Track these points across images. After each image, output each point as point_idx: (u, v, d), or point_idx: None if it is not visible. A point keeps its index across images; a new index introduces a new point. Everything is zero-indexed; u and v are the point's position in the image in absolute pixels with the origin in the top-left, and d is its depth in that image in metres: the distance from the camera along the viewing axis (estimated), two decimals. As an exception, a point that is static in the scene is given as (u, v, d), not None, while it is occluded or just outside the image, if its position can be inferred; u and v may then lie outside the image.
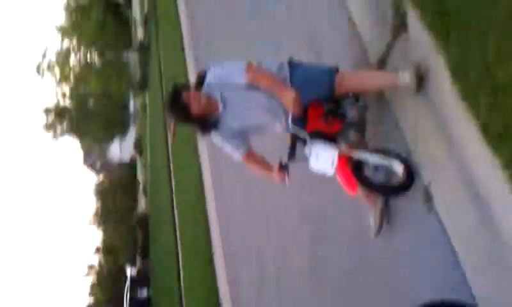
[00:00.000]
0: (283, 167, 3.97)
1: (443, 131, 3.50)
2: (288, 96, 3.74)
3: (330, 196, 5.29)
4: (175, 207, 19.15)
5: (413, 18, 3.81)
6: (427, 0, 3.56)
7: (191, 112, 3.89)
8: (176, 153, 19.61)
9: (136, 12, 39.60)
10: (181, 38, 17.12)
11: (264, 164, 4.16)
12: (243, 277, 9.45)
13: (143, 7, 32.48)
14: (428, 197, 3.68)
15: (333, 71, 3.90)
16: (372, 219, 4.30)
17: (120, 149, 57.26)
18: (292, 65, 3.98)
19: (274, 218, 7.69)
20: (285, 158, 4.01)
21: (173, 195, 19.60)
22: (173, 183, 19.74)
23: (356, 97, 4.16)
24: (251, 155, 4.14)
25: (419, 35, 3.72)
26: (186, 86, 4.13)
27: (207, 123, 4.02)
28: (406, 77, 3.74)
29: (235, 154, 4.12)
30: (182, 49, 16.70)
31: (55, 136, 27.29)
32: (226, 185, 11.14)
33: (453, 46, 3.26)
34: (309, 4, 5.99)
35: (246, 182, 9.30)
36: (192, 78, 14.43)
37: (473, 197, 3.25)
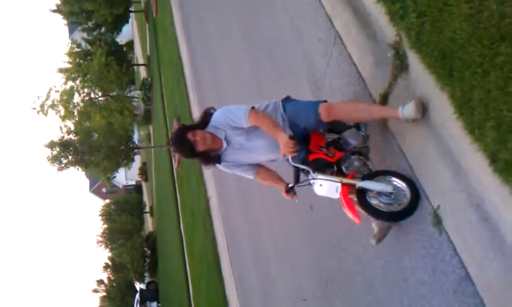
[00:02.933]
0: (289, 190, 4.05)
1: (450, 159, 3.45)
2: (282, 140, 3.75)
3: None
4: (181, 222, 18.94)
5: (413, 59, 3.78)
6: (426, 43, 3.52)
7: (197, 149, 3.95)
8: (182, 175, 19.46)
9: (138, 54, 39.70)
10: (183, 75, 17.11)
11: (275, 178, 4.28)
12: (249, 277, 9.31)
13: (145, 49, 32.56)
14: (438, 220, 3.62)
15: (318, 103, 3.93)
16: (376, 227, 4.19)
17: (125, 176, 56.91)
18: (286, 101, 4.07)
19: (280, 225, 7.59)
20: (291, 182, 4.04)
21: (179, 213, 19.40)
22: (180, 207, 19.55)
23: (358, 127, 4.15)
24: (261, 173, 4.26)
25: (420, 74, 3.68)
26: (191, 126, 4.14)
27: (211, 157, 4.10)
28: (408, 110, 3.72)
29: (247, 176, 4.25)
30: (184, 85, 16.67)
31: (60, 168, 26.83)
32: (231, 201, 11.03)
33: (456, 84, 3.23)
34: (307, 42, 5.96)
35: (248, 202, 9.23)
36: (195, 111, 14.37)
37: (483, 220, 3.19)
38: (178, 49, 18.01)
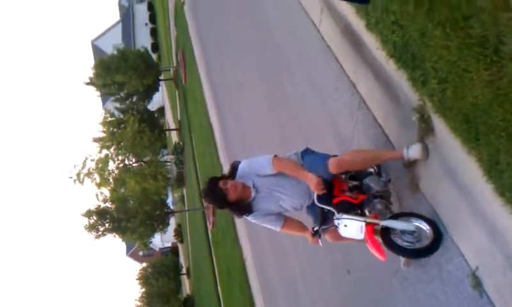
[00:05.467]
0: (314, 233, 4.17)
1: (484, 221, 3.43)
2: (312, 181, 3.94)
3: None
4: (218, 285, 18.78)
5: (438, 123, 3.82)
6: (449, 108, 3.57)
7: (228, 198, 4.11)
8: (217, 237, 19.47)
9: (170, 119, 40.75)
10: (212, 135, 17.45)
11: (300, 228, 4.43)
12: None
13: (176, 114, 33.44)
14: (477, 282, 3.56)
15: (327, 157, 4.14)
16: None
17: (161, 238, 57.15)
18: (305, 153, 4.29)
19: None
20: (316, 226, 4.17)
21: (216, 275, 19.28)
22: (216, 269, 19.46)
23: (379, 173, 4.26)
24: (288, 224, 4.40)
25: (447, 138, 3.72)
26: (221, 177, 4.32)
27: (243, 206, 4.25)
28: (413, 151, 3.99)
29: (273, 227, 4.40)
30: (215, 147, 16.98)
31: (97, 236, 27.23)
32: (266, 263, 10.94)
33: (483, 147, 3.25)
34: (332, 107, 6.07)
35: (284, 263, 9.16)
36: (225, 169, 14.56)
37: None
38: (207, 114, 18.47)
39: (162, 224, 28.44)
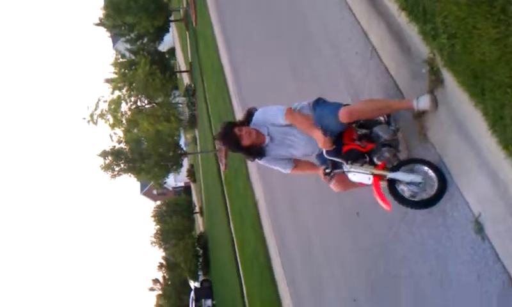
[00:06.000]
0: (326, 174, 4.36)
1: (488, 170, 3.60)
2: (320, 139, 4.18)
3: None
4: (231, 224, 19.33)
5: (447, 76, 3.93)
6: (458, 63, 3.67)
7: (242, 143, 4.34)
8: (229, 178, 19.86)
9: (180, 61, 40.52)
10: (224, 80, 17.49)
11: (310, 167, 4.69)
12: (301, 278, 9.56)
13: (187, 56, 33.25)
14: (479, 228, 3.79)
15: (339, 106, 4.26)
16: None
17: (174, 178, 58.12)
18: (316, 104, 4.41)
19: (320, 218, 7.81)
20: (328, 168, 4.37)
21: (229, 214, 19.81)
22: (229, 209, 19.96)
23: (388, 122, 4.42)
24: (298, 166, 4.65)
25: (455, 90, 3.84)
26: (236, 123, 4.54)
27: (255, 151, 4.48)
28: (423, 102, 4.12)
29: (283, 170, 4.65)
30: (227, 91, 17.05)
31: (113, 176, 27.74)
32: (278, 204, 11.29)
33: (488, 102, 3.38)
34: (344, 55, 6.14)
35: (295, 206, 9.48)
36: (238, 114, 14.73)
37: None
38: (219, 57, 18.42)
39: (176, 165, 28.93)
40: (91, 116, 28.35)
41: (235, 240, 18.63)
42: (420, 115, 4.43)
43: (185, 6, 32.22)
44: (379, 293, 5.93)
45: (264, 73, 11.37)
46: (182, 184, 59.76)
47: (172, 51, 43.78)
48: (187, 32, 32.70)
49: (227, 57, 16.89)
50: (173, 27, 40.84)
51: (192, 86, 30.49)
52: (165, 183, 31.18)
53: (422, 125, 4.44)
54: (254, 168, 13.98)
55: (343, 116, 4.16)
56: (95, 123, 28.35)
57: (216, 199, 23.24)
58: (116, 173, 27.30)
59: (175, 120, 29.00)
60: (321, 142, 4.16)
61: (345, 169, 4.20)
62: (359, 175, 4.14)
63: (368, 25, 5.43)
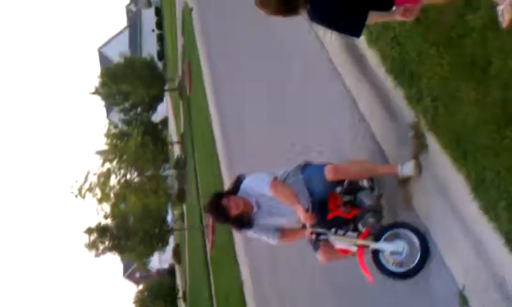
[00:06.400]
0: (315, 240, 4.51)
1: (473, 239, 3.66)
2: (300, 213, 4.35)
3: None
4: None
5: (431, 140, 4.09)
6: (441, 125, 3.85)
7: (230, 213, 4.49)
8: (216, 259, 19.62)
9: (172, 132, 41.19)
10: (216, 153, 17.72)
11: (299, 232, 4.73)
12: None
13: (179, 126, 33.86)
14: (464, 300, 3.78)
15: (324, 165, 4.48)
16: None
17: (159, 260, 57.30)
18: (304, 165, 4.65)
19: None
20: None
21: (213, 300, 19.39)
22: (214, 292, 19.58)
23: (371, 187, 4.60)
24: (285, 235, 4.78)
25: (438, 155, 3.98)
26: (224, 193, 4.73)
27: (243, 221, 4.63)
28: (407, 168, 4.28)
29: (271, 241, 4.79)
30: (217, 163, 17.22)
31: (97, 254, 27.57)
32: (267, 289, 11.12)
33: (470, 166, 3.51)
34: (334, 122, 6.34)
35: (283, 286, 9.36)
36: (227, 187, 14.77)
37: (506, 299, 3.35)
38: (210, 125, 18.80)
39: (162, 242, 28.77)
40: (80, 189, 28.54)
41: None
42: (405, 181, 4.54)
43: (180, 74, 33.25)
44: None
45: (256, 139, 11.60)
46: (167, 266, 58.83)
47: (165, 121, 44.57)
48: (180, 102, 33.51)
49: (218, 123, 17.27)
50: (167, 97, 41.89)
51: (183, 157, 30.82)
52: (149, 262, 30.86)
53: (407, 191, 4.54)
54: (241, 246, 13.89)
55: (329, 172, 4.35)
56: (83, 197, 28.53)
57: (201, 281, 22.84)
58: (100, 251, 27.17)
59: (163, 194, 29.09)
60: (303, 218, 4.33)
61: (329, 239, 4.33)
62: (343, 244, 4.31)
63: (358, 91, 5.67)
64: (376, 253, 4.28)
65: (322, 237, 4.44)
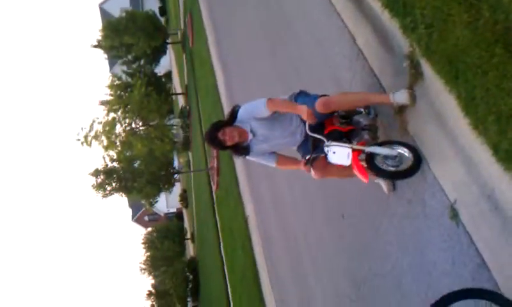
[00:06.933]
0: (307, 162, 4.68)
1: (464, 156, 3.78)
2: (303, 111, 4.41)
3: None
4: (222, 250, 19.32)
5: (426, 67, 4.15)
6: (434, 51, 3.90)
7: (226, 144, 4.68)
8: (220, 198, 19.95)
9: (176, 83, 41.00)
10: (219, 100, 17.74)
11: (293, 162, 4.99)
12: (289, 289, 9.59)
13: (183, 78, 33.69)
14: (455, 214, 3.94)
15: (316, 97, 4.47)
16: (382, 181, 4.84)
17: (167, 203, 58.01)
18: (298, 95, 4.67)
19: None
20: (308, 155, 4.65)
21: (220, 235, 19.81)
22: (219, 228, 20.00)
23: (368, 112, 4.67)
24: (281, 160, 4.96)
25: (433, 80, 4.05)
26: (221, 123, 4.82)
27: (240, 149, 4.81)
28: (400, 96, 4.36)
29: (270, 164, 4.98)
30: (221, 110, 17.28)
31: (104, 195, 27.75)
32: (271, 227, 11.39)
33: (461, 85, 3.59)
34: (333, 59, 6.38)
35: (284, 216, 9.60)
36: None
37: (494, 209, 3.50)
38: (214, 74, 18.74)
39: (168, 184, 29.05)
40: (85, 137, 28.50)
41: (225, 261, 18.61)
42: (401, 110, 4.63)
43: (182, 27, 32.83)
44: (363, 294, 6.03)
45: (258, 82, 11.62)
46: (174, 210, 59.65)
47: (169, 75, 44.31)
48: (184, 55, 33.22)
49: (221, 72, 17.23)
50: (170, 50, 41.47)
51: (187, 108, 30.83)
52: (156, 202, 31.21)
53: (403, 119, 4.63)
54: (245, 184, 14.12)
55: (319, 106, 4.37)
56: (89, 145, 28.49)
57: (208, 221, 23.27)
58: (107, 192, 27.30)
59: (169, 142, 29.18)
60: (305, 114, 4.37)
61: (325, 146, 4.41)
62: (338, 154, 4.32)
63: (355, 27, 5.68)
64: (370, 157, 4.35)
65: (315, 155, 4.57)
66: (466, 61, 3.45)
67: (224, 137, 4.64)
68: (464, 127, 3.64)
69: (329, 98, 4.48)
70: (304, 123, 4.56)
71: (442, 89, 3.91)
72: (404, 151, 4.20)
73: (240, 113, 4.72)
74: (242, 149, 4.80)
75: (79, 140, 28.58)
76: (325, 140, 4.39)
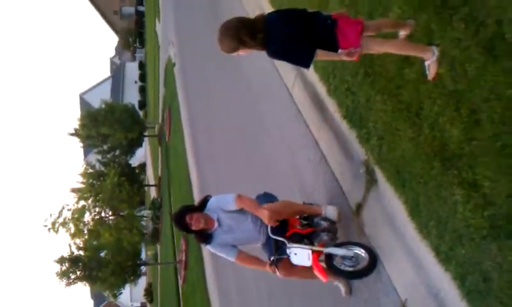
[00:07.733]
0: (271, 263, 4.87)
1: (413, 257, 4.09)
2: (264, 215, 4.71)
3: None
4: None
5: (379, 174, 4.57)
6: (385, 160, 4.34)
7: (192, 229, 4.93)
8: (187, 293, 19.54)
9: (150, 175, 41.19)
10: (192, 197, 17.94)
11: (257, 262, 5.12)
12: None
13: (157, 171, 33.97)
14: (406, 311, 4.18)
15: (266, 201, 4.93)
16: (340, 284, 5.09)
17: (131, 297, 55.91)
18: (263, 195, 5.11)
19: None
20: (272, 257, 4.87)
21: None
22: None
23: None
24: (242, 256, 5.08)
25: (384, 187, 4.46)
26: (191, 208, 5.11)
27: (204, 235, 5.00)
28: (330, 213, 4.94)
29: (229, 258, 5.07)
30: (192, 201, 17.43)
31: (68, 284, 26.88)
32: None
33: (407, 192, 4.00)
34: (299, 162, 6.80)
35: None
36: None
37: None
38: (187, 170, 19.09)
39: (134, 275, 28.32)
40: (53, 223, 28.06)
41: None
42: (358, 212, 4.99)
43: (160, 121, 33.65)
44: None
45: (229, 180, 11.97)
46: (139, 304, 57.45)
47: (143, 166, 44.59)
48: (159, 147, 33.77)
49: (195, 167, 17.58)
50: (146, 142, 42.07)
51: (159, 200, 30.84)
52: (121, 293, 30.18)
53: (360, 221, 4.98)
54: (213, 282, 14.02)
55: (266, 220, 4.73)
56: (56, 232, 28.00)
57: (172, 317, 22.57)
58: (71, 280, 26.47)
59: (137, 233, 28.83)
60: (265, 218, 4.67)
61: (287, 249, 4.64)
62: (299, 255, 4.58)
63: (319, 134, 6.17)
64: (329, 258, 4.62)
65: (280, 257, 4.78)
66: (410, 171, 3.87)
67: (191, 221, 4.87)
68: (412, 231, 3.99)
69: (272, 206, 4.81)
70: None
71: (393, 195, 4.30)
72: (361, 252, 4.50)
73: (211, 202, 5.02)
74: (205, 236, 5.02)
75: (46, 226, 28.10)
76: (286, 242, 4.66)
